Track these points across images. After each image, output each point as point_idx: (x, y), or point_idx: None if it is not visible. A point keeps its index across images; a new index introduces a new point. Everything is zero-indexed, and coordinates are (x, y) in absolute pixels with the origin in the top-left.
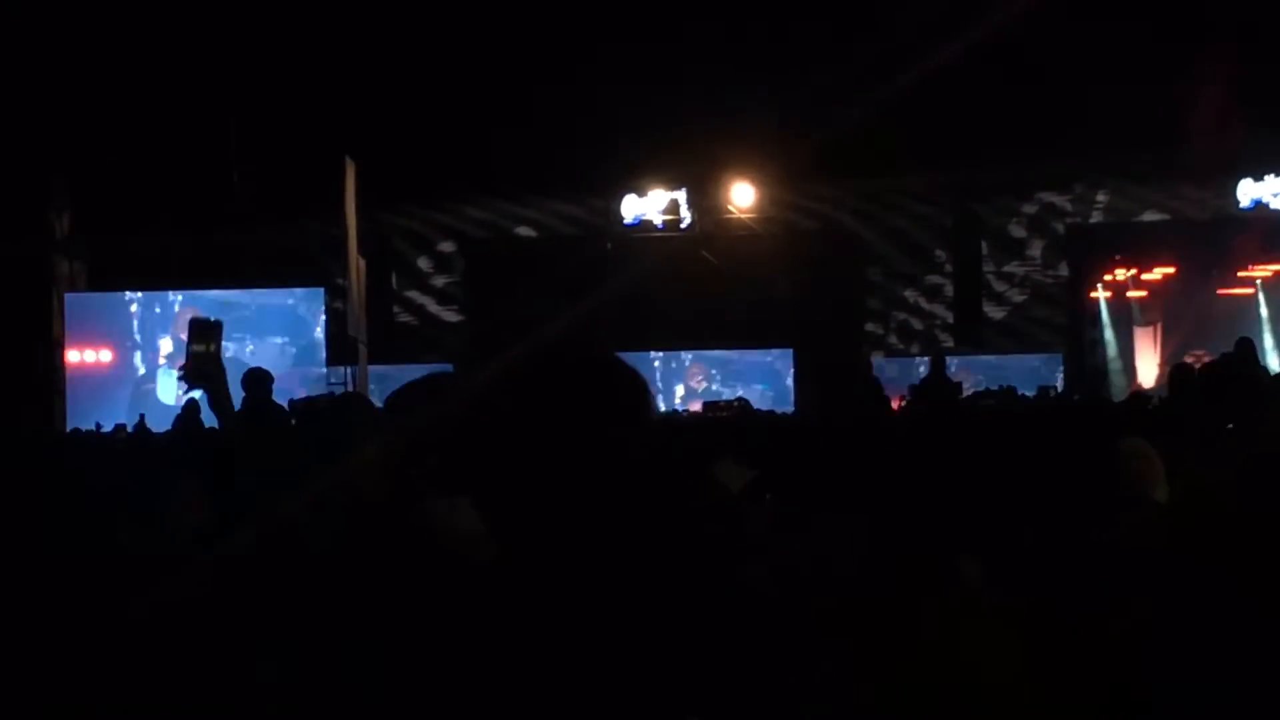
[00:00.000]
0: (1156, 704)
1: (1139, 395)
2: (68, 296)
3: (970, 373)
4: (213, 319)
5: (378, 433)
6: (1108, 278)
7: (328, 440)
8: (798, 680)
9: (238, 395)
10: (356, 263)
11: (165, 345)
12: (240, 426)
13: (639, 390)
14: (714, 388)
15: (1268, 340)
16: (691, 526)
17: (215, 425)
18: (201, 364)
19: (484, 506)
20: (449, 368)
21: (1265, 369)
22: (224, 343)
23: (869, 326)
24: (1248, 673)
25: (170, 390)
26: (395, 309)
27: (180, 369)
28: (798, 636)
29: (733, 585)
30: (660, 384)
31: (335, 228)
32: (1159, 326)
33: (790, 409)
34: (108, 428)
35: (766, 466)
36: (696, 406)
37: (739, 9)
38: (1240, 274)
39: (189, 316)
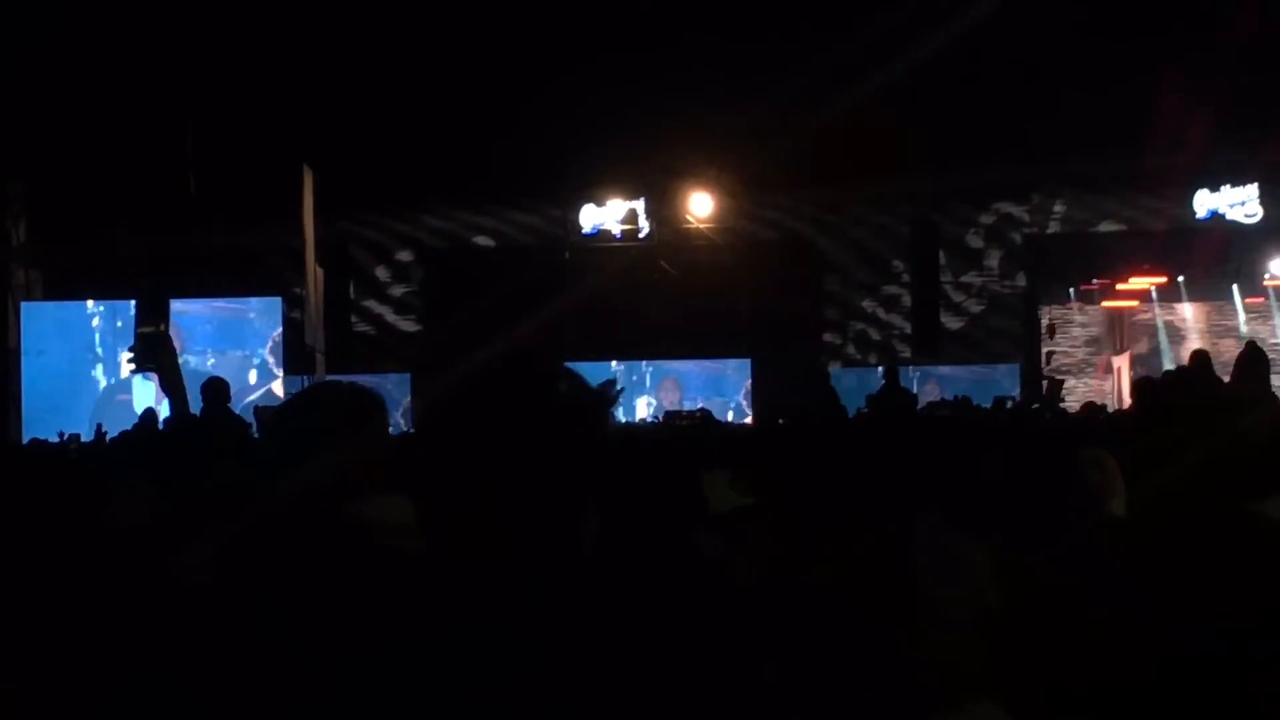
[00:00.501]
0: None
1: (1093, 406)
2: (24, 305)
3: (939, 386)
4: (158, 296)
5: (341, 439)
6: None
7: (293, 446)
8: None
9: (196, 405)
10: (314, 272)
11: (128, 354)
12: (198, 433)
13: (594, 398)
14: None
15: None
16: (667, 533)
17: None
18: (149, 344)
19: (436, 511)
20: (406, 377)
21: (1221, 382)
22: (185, 356)
23: (827, 337)
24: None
25: (146, 402)
26: (353, 318)
27: (129, 350)
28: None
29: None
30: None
31: (293, 236)
32: (1122, 338)
33: (747, 419)
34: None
35: (769, 498)
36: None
37: (697, 19)
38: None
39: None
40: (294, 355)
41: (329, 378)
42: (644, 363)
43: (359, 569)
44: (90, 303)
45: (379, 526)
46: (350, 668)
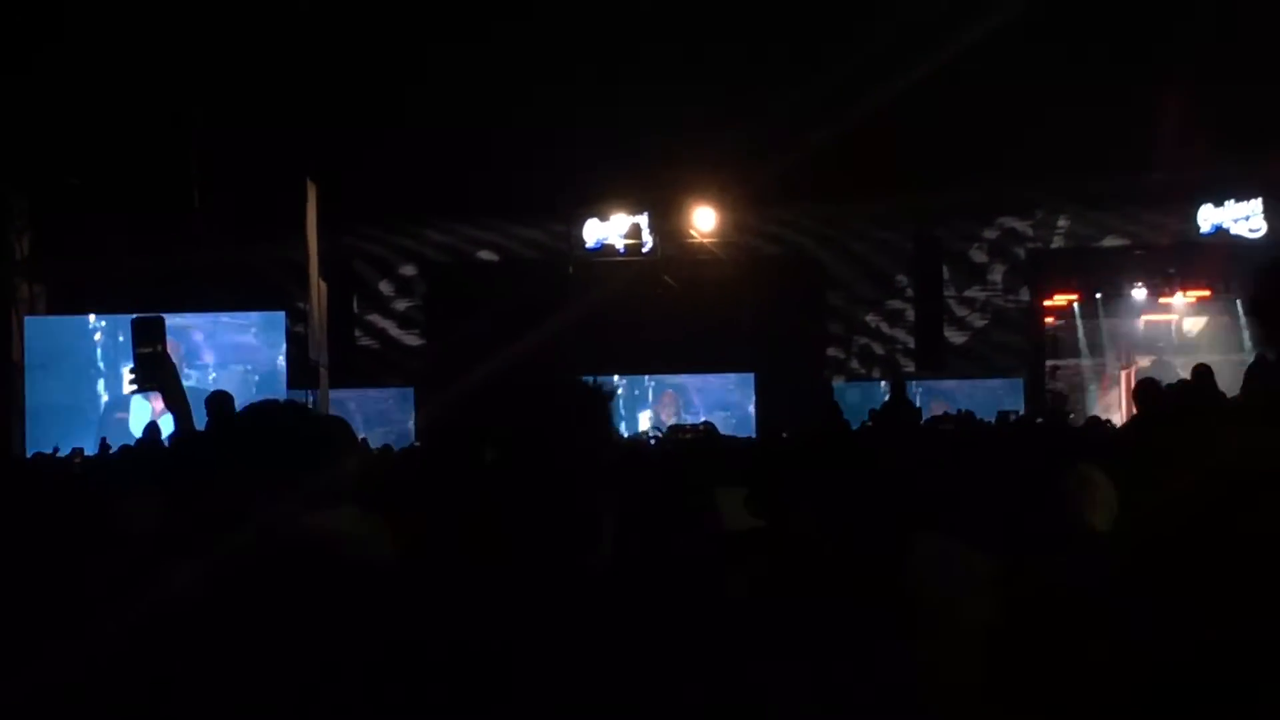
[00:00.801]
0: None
1: (1097, 420)
2: (27, 320)
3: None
4: (153, 316)
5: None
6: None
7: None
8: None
9: (200, 419)
10: (318, 286)
11: (129, 374)
12: (202, 446)
13: (597, 408)
14: (680, 414)
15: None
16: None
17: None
18: (149, 364)
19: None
20: (409, 392)
21: (1222, 395)
22: (187, 370)
23: (830, 351)
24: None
25: (143, 420)
26: (356, 332)
27: (130, 372)
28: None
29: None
30: (623, 410)
31: (296, 251)
32: (1126, 351)
33: (752, 434)
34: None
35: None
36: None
37: (702, 33)
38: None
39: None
40: (297, 370)
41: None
42: (646, 377)
43: (327, 581)
44: (92, 317)
45: (343, 538)
46: (333, 678)
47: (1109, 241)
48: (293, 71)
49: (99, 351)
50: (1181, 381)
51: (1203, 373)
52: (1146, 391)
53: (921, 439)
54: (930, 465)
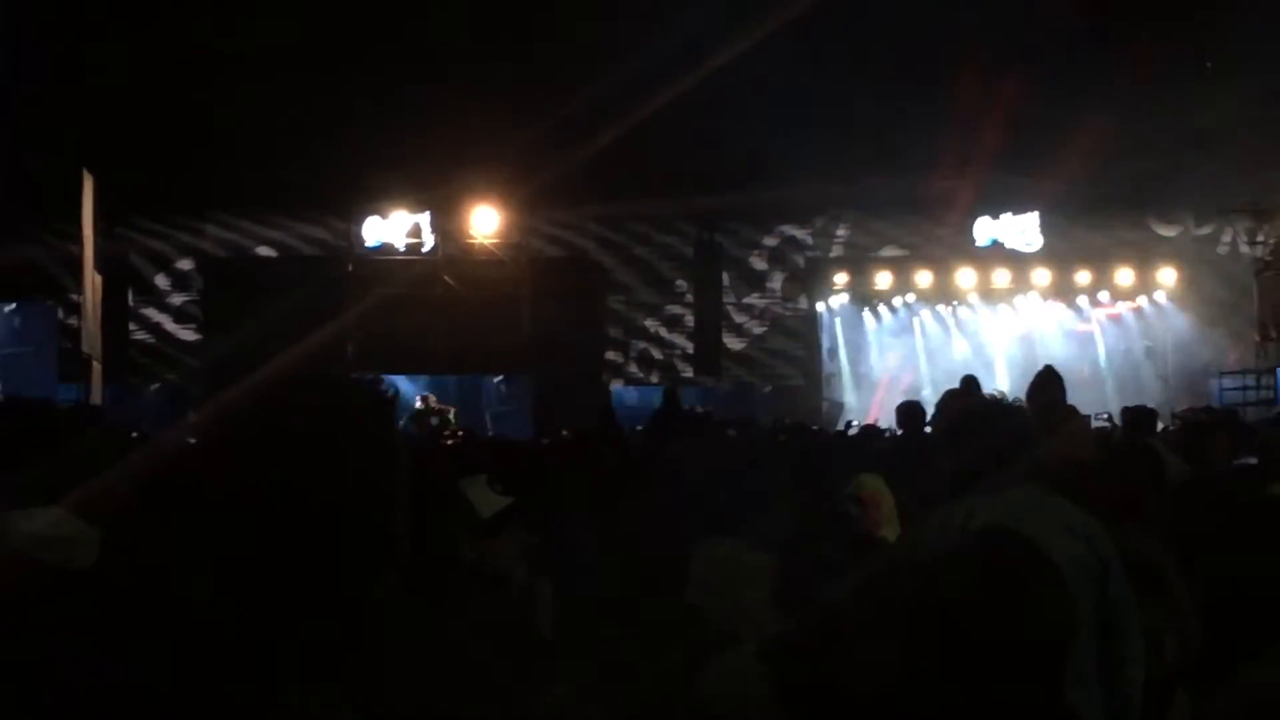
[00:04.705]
0: None
1: (871, 430)
2: None
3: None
4: None
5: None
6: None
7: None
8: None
9: None
10: (93, 279)
11: None
12: None
13: (380, 411)
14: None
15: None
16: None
17: None
18: None
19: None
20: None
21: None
22: None
23: (610, 355)
24: None
25: None
26: (131, 326)
27: None
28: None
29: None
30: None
31: (72, 242)
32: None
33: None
34: None
35: (521, 493)
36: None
37: (484, 36)
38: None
39: None
40: (69, 362)
41: None
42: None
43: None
44: None
45: (41, 542)
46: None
47: (887, 251)
48: (73, 61)
49: None
50: (949, 391)
51: (970, 383)
52: (907, 413)
53: (704, 445)
54: (714, 471)
